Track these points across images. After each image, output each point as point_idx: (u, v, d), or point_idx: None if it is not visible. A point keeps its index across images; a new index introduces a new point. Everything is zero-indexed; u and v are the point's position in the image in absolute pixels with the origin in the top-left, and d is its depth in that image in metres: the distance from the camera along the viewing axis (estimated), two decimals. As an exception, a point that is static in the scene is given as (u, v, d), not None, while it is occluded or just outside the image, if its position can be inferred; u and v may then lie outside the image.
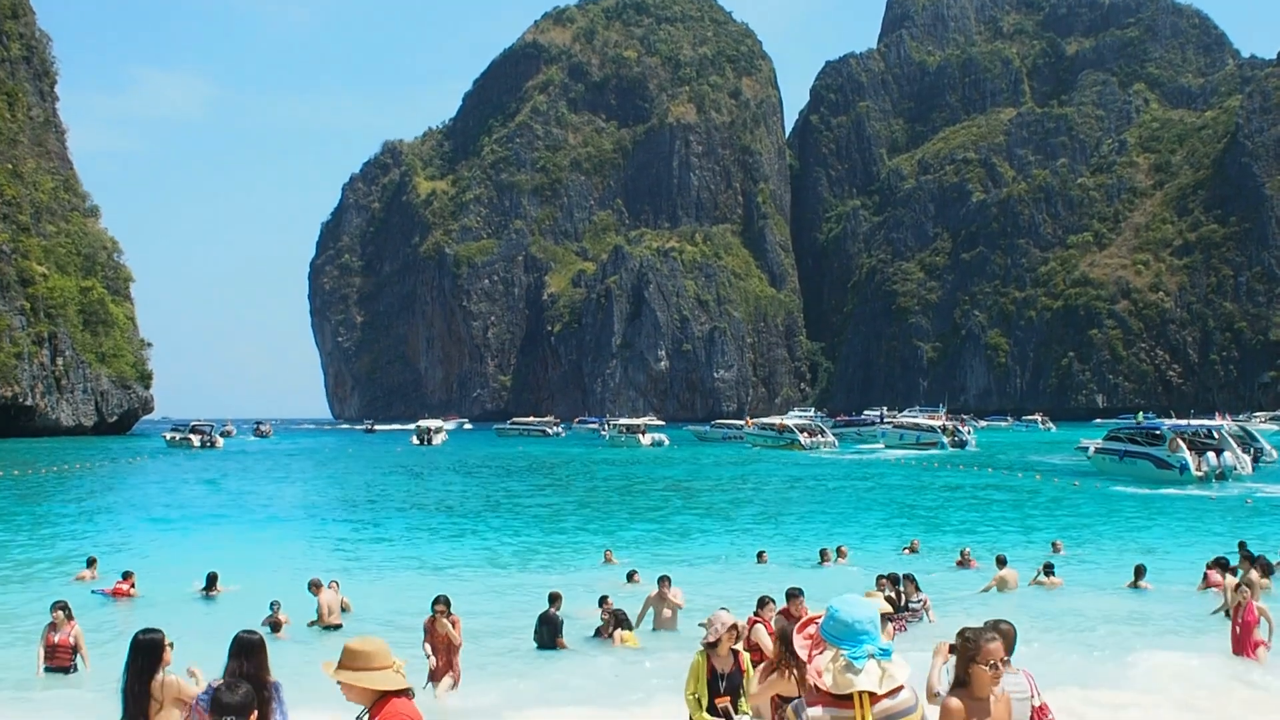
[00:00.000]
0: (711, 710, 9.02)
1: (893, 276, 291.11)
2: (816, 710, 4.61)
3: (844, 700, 4.59)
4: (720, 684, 8.90)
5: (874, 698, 4.58)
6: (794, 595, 13.18)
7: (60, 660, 14.95)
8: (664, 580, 18.68)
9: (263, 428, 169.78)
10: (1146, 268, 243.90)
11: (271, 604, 18.99)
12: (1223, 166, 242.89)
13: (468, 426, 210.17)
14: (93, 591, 22.22)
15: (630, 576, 24.10)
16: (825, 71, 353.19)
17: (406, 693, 5.75)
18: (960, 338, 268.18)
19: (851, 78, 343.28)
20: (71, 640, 14.99)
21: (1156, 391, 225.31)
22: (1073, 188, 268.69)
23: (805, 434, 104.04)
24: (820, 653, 4.72)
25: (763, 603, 12.80)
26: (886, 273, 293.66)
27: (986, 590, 22.36)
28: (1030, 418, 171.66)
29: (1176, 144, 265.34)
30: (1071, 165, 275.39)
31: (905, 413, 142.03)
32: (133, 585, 22.43)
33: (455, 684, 12.94)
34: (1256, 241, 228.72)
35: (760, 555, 27.23)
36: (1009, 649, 6.91)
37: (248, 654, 7.11)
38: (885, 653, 4.65)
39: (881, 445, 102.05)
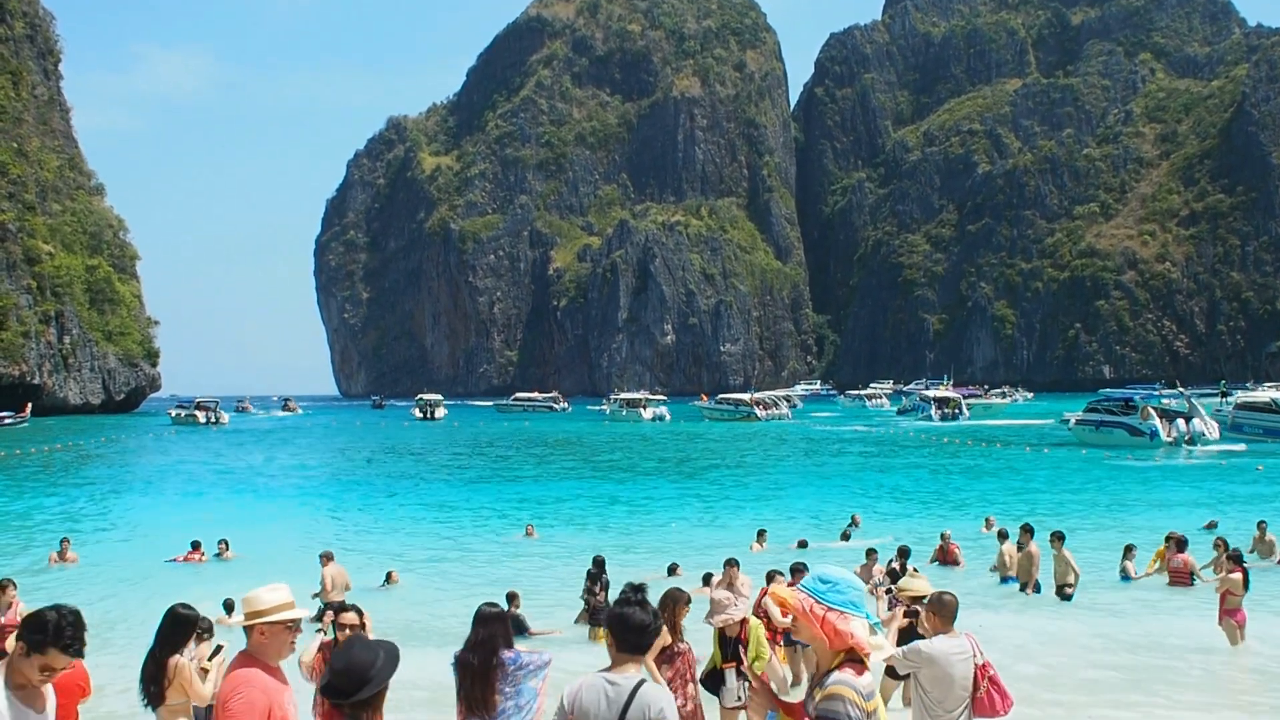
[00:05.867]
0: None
1: (899, 249, 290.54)
2: (866, 678, 4.32)
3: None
4: (726, 649, 9.71)
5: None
6: (799, 570, 13.41)
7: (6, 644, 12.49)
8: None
9: (290, 404, 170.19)
10: (1153, 238, 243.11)
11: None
12: (1229, 136, 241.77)
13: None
14: (166, 561, 22.99)
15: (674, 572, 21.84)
16: (829, 43, 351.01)
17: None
18: (966, 310, 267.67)
19: (856, 49, 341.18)
20: (19, 619, 12.58)
21: (1164, 362, 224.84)
22: (1079, 158, 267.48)
23: (761, 407, 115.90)
24: (847, 624, 4.27)
25: (770, 577, 13.07)
26: (892, 245, 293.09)
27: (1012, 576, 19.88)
28: (996, 391, 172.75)
29: (1183, 113, 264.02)
30: (1077, 136, 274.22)
31: (914, 384, 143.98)
32: (202, 553, 23.42)
33: None
34: (1263, 211, 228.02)
35: (760, 534, 25.41)
36: (950, 619, 7.39)
37: (486, 624, 7.46)
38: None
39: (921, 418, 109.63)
